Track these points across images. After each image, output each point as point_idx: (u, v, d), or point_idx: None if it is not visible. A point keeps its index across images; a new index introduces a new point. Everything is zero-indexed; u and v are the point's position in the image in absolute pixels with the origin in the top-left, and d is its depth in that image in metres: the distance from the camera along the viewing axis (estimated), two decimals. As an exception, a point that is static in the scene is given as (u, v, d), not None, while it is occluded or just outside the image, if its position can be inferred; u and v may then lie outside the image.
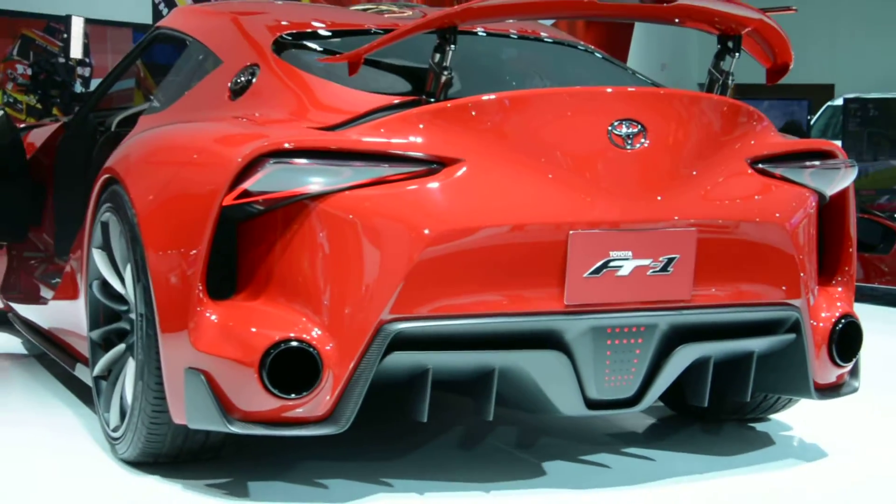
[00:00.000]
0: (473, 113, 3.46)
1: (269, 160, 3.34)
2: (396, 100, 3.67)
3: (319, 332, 3.33)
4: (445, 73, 3.50)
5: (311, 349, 3.30)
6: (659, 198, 3.51)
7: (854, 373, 4.10)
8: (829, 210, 4.05)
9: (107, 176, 3.94)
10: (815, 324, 3.88)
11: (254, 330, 3.36)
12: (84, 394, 4.74)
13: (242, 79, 4.07)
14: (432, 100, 3.56)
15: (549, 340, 3.47)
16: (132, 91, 7.52)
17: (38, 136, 5.67)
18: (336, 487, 3.59)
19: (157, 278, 3.50)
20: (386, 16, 4.61)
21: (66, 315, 4.59)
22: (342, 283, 3.34)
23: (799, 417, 4.48)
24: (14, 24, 11.22)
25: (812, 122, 12.63)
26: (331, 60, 3.76)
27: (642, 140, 3.49)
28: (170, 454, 3.71)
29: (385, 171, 3.40)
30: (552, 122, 3.48)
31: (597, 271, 3.43)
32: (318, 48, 4.18)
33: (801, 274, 3.77)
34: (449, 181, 3.40)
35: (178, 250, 3.46)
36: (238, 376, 3.33)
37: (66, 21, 5.47)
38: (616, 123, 3.48)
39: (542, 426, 4.30)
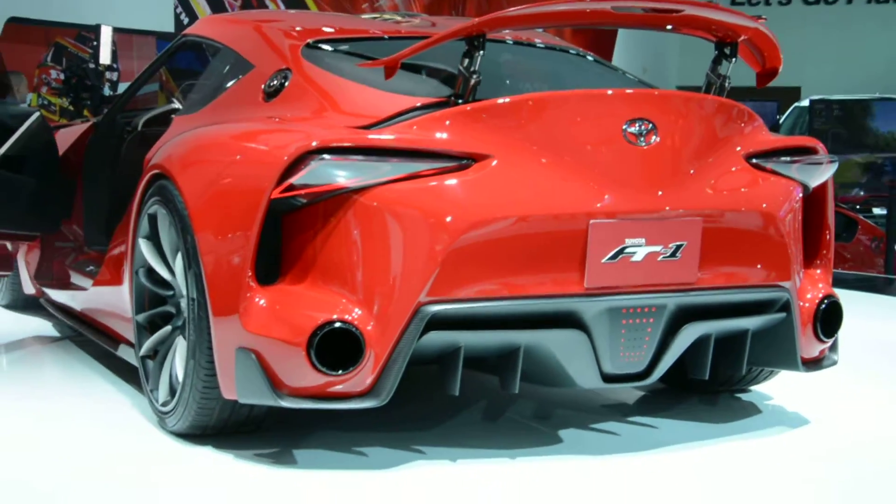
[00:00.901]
0: (500, 113, 3.79)
1: (315, 157, 3.66)
2: (423, 101, 3.98)
3: (362, 314, 3.65)
4: (475, 76, 3.82)
5: (355, 329, 3.62)
6: (668, 190, 3.84)
7: (833, 347, 4.48)
8: (811, 201, 4.41)
9: (155, 172, 4.24)
10: (801, 304, 4.25)
11: (301, 312, 3.68)
12: (122, 372, 5.09)
13: (275, 82, 4.39)
14: (460, 101, 3.87)
15: (569, 320, 3.81)
16: (156, 94, 7.80)
17: (66, 135, 5.98)
18: (374, 455, 3.92)
19: (208, 266, 3.81)
20: (402, 24, 4.93)
21: (108, 300, 4.90)
22: (382, 269, 3.66)
23: (778, 388, 4.89)
24: (48, 32, 11.63)
25: (781, 122, 13.11)
26: (370, 65, 4.06)
27: (653, 137, 3.82)
28: (216, 426, 4.03)
29: (421, 166, 3.71)
30: (572, 120, 3.81)
31: (613, 257, 3.77)
32: (345, 53, 4.50)
33: (791, 258, 4.13)
34: (479, 175, 3.73)
35: (228, 240, 3.77)
36: (287, 355, 3.65)
37: (95, 30, 5.77)
38: (630, 122, 3.82)
39: (555, 400, 4.67)
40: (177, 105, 5.61)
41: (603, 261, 3.76)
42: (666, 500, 3.57)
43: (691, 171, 3.91)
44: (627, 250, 3.78)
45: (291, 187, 3.68)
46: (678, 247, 3.85)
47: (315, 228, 3.75)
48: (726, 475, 3.84)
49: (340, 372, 3.62)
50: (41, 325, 6.35)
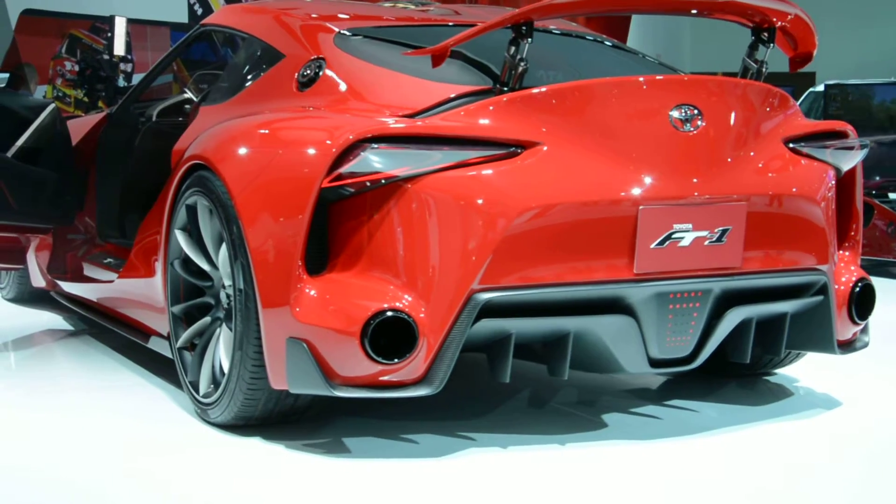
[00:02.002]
0: (549, 100, 3.80)
1: (365, 145, 3.66)
2: (466, 89, 4.00)
3: (414, 303, 3.66)
4: (522, 64, 3.83)
5: (408, 318, 3.63)
6: (714, 175, 3.88)
7: (864, 329, 4.54)
8: (841, 184, 4.46)
9: (193, 163, 4.23)
10: (837, 287, 4.29)
11: (353, 301, 3.68)
12: (147, 363, 5.11)
13: (309, 72, 4.38)
14: (505, 89, 3.88)
15: (618, 306, 3.83)
16: (170, 84, 7.77)
17: (78, 127, 5.93)
18: (425, 442, 3.94)
19: (256, 256, 3.80)
20: (429, 13, 4.94)
21: (137, 292, 4.88)
22: (435, 258, 3.67)
23: (802, 371, 4.95)
24: (62, 24, 11.58)
25: (796, 106, 13.11)
26: (417, 54, 4.05)
27: (699, 123, 3.85)
28: (260, 417, 4.03)
29: (472, 154, 3.72)
30: (619, 107, 3.83)
31: (662, 242, 3.80)
32: (379, 42, 4.50)
33: (828, 242, 4.18)
34: (530, 163, 3.74)
35: (277, 230, 3.76)
36: (340, 344, 3.65)
37: (109, 21, 5.76)
38: (676, 108, 3.84)
39: (593, 386, 4.71)
40: (189, 95, 5.60)
41: (652, 246, 3.79)
42: (714, 482, 3.60)
43: (735, 156, 3.95)
44: (675, 235, 3.81)
45: (341, 176, 3.68)
46: (724, 231, 3.88)
47: (364, 217, 3.75)
48: (770, 456, 3.88)
49: (396, 360, 3.62)
50: (52, 319, 6.33)
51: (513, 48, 3.85)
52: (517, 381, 4.64)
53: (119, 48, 5.73)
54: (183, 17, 12.08)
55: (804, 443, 4.04)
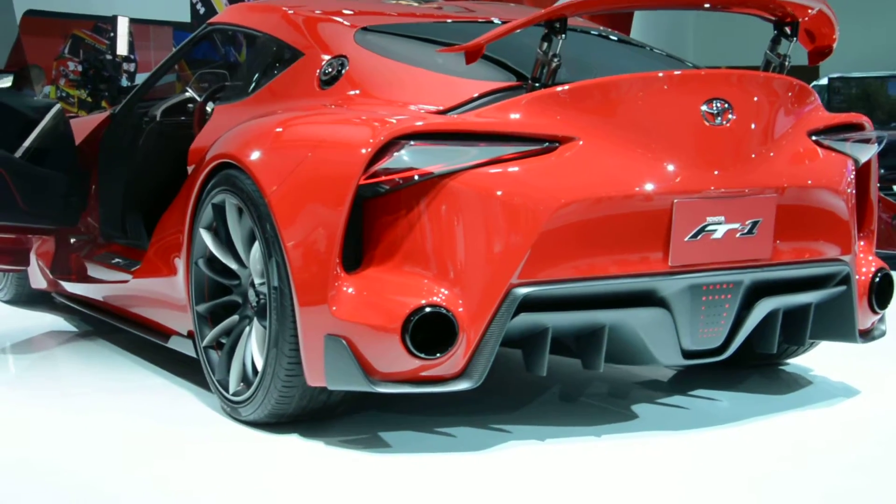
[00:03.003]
0: (582, 96, 3.84)
1: (402, 142, 3.68)
2: (497, 85, 4.02)
3: (453, 298, 3.68)
4: (555, 60, 3.86)
5: (449, 313, 3.65)
6: (744, 168, 3.93)
7: (882, 318, 4.61)
8: (858, 176, 4.52)
9: (220, 161, 4.22)
10: (857, 277, 4.36)
11: (392, 298, 3.70)
12: (164, 362, 5.10)
13: (331, 69, 4.39)
14: (537, 85, 3.91)
15: (652, 298, 3.88)
16: (172, 84, 7.72)
17: (80, 127, 5.90)
18: (462, 436, 3.97)
19: (292, 254, 3.81)
20: (444, 9, 4.96)
21: (155, 292, 4.87)
22: (474, 253, 3.69)
23: (813, 361, 5.03)
24: (65, 24, 11.51)
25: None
26: (451, 51, 4.07)
27: (730, 116, 3.90)
28: (294, 414, 4.03)
29: (508, 149, 3.75)
30: (651, 101, 3.87)
31: (695, 235, 3.84)
32: (400, 38, 4.51)
33: (851, 233, 4.24)
34: (566, 157, 3.77)
35: (314, 228, 3.77)
36: (380, 341, 3.66)
37: (112, 21, 5.74)
38: (707, 102, 3.89)
39: (621, 380, 4.77)
40: (191, 94, 5.58)
41: (686, 239, 3.83)
42: (749, 470, 3.65)
43: (764, 149, 4.00)
44: (708, 228, 3.86)
45: (378, 173, 3.69)
46: (754, 224, 3.93)
47: (400, 214, 3.76)
48: (796, 445, 3.94)
49: (438, 355, 3.64)
50: (55, 321, 6.29)
51: (545, 44, 3.87)
52: (544, 376, 4.64)
53: (122, 48, 5.71)
54: (185, 17, 12.07)
55: (826, 429, 4.12)
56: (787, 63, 4.28)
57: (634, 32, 12.88)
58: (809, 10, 4.21)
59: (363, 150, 3.69)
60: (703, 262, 3.89)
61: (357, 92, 4.28)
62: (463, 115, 3.89)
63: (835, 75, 11.91)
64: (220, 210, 4.26)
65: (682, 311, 3.91)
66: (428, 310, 3.64)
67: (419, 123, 3.75)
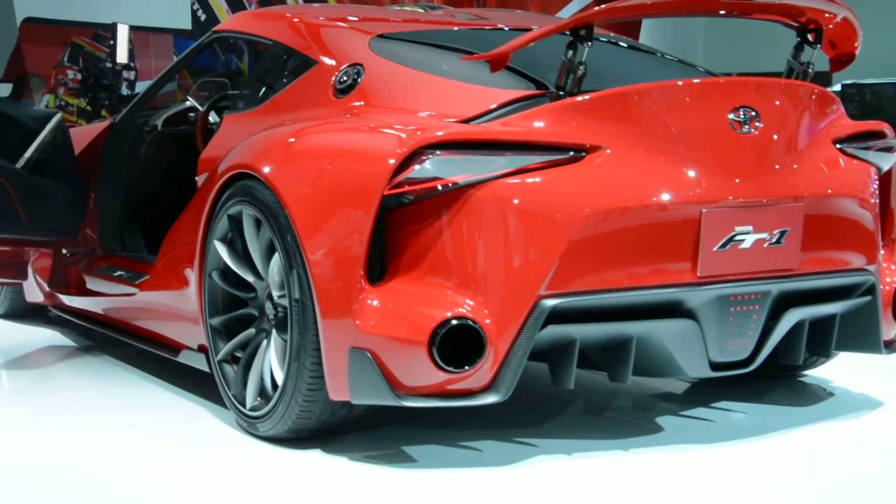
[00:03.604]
0: (609, 104, 3.78)
1: (429, 151, 3.62)
2: (517, 94, 3.96)
3: (480, 310, 3.60)
4: (581, 68, 3.80)
5: (477, 325, 3.58)
6: (772, 176, 3.88)
7: None
8: (880, 184, 4.47)
9: (236, 172, 4.14)
10: (882, 286, 4.31)
11: (419, 310, 3.63)
12: (171, 377, 5.00)
13: (346, 77, 4.33)
14: (561, 93, 3.85)
15: (680, 309, 3.82)
16: (173, 93, 7.66)
17: (78, 136, 5.79)
18: (488, 450, 3.90)
19: (315, 267, 3.73)
20: (456, 17, 4.90)
21: (164, 305, 4.78)
22: (501, 264, 3.62)
23: (832, 373, 4.97)
24: (64, 32, 11.37)
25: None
26: (475, 59, 4.00)
27: (757, 124, 3.85)
28: (314, 429, 3.95)
29: (535, 159, 3.69)
30: (678, 110, 3.82)
31: (724, 245, 3.79)
32: (416, 46, 4.45)
33: (876, 242, 4.20)
34: (594, 167, 3.72)
35: (337, 240, 3.69)
36: (406, 354, 3.59)
37: (112, 29, 5.67)
38: (734, 110, 3.84)
39: (645, 393, 4.71)
40: (192, 103, 5.51)
41: (714, 249, 3.78)
42: (774, 482, 3.62)
43: (790, 157, 3.96)
44: (737, 238, 3.81)
45: (403, 183, 3.63)
46: (782, 233, 3.89)
47: (425, 225, 3.69)
48: (823, 457, 3.92)
49: (466, 368, 3.57)
50: (53, 335, 6.17)
51: (571, 52, 3.81)
52: (569, 390, 4.57)
53: (122, 56, 5.63)
54: (186, 24, 11.94)
55: (861, 442, 4.07)
56: (810, 70, 4.24)
57: (644, 38, 12.86)
58: (833, 18, 4.16)
59: (389, 160, 3.62)
60: (731, 273, 3.84)
61: (374, 100, 4.22)
62: (488, 125, 3.82)
63: (848, 82, 11.84)
64: (236, 221, 4.18)
65: (710, 322, 3.85)
66: (455, 322, 3.57)
67: (445, 133, 3.68)
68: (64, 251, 5.84)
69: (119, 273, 5.39)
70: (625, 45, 5.02)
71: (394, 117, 4.02)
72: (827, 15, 4.17)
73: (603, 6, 3.77)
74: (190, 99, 5.60)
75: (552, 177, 3.68)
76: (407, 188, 3.64)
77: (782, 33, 4.35)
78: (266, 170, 3.98)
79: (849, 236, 4.12)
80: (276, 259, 3.96)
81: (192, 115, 5.54)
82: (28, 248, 5.76)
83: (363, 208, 3.65)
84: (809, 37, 4.23)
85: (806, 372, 4.94)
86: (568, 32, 3.80)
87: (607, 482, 3.61)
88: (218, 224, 4.26)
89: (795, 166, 3.96)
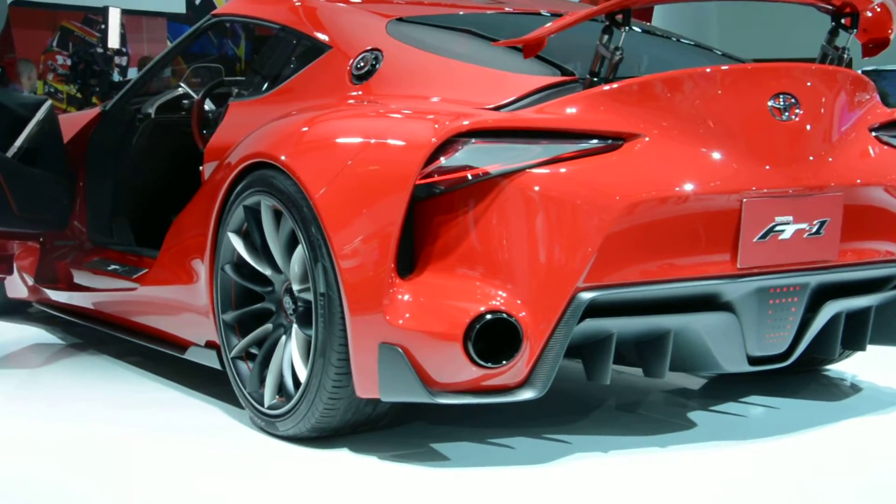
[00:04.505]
0: (647, 91, 3.66)
1: (463, 140, 3.48)
2: (548, 80, 3.83)
3: (516, 303, 3.47)
4: (618, 53, 3.67)
5: (513, 320, 3.45)
6: (812, 165, 3.77)
7: None
8: None
9: (253, 161, 3.98)
10: None
11: (453, 304, 3.49)
12: (172, 374, 4.83)
13: (364, 63, 4.18)
14: (595, 80, 3.72)
15: (719, 302, 3.70)
16: (167, 79, 7.45)
17: (66, 124, 5.58)
18: (521, 447, 3.78)
19: (343, 260, 3.57)
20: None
21: (169, 300, 4.61)
22: (537, 256, 3.49)
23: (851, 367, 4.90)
24: (53, 16, 11.07)
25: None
26: (509, 44, 3.86)
27: (797, 111, 3.74)
28: (336, 428, 3.81)
29: (572, 147, 3.56)
30: (717, 96, 3.70)
31: (764, 236, 3.67)
32: (435, 29, 4.31)
33: None
34: (632, 155, 3.59)
35: (367, 232, 3.54)
36: (440, 349, 3.45)
37: (103, 12, 5.49)
38: (774, 97, 3.72)
39: (675, 389, 4.60)
40: (184, 90, 5.34)
41: (755, 240, 3.67)
42: (808, 476, 3.56)
43: (830, 145, 3.85)
44: (777, 228, 3.70)
45: (435, 172, 3.49)
46: (822, 223, 3.78)
47: (457, 215, 3.55)
48: (858, 451, 3.84)
49: (504, 363, 3.44)
50: (38, 334, 5.94)
51: (606, 37, 3.68)
52: (599, 389, 4.48)
53: (113, 41, 5.44)
54: (180, 8, 11.68)
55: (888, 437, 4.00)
56: (845, 56, 4.13)
57: (656, 22, 12.77)
58: (869, 2, 4.06)
59: (420, 149, 3.48)
60: (771, 264, 3.73)
61: (395, 87, 4.08)
62: (521, 112, 3.69)
63: (869, 68, 11.74)
64: (253, 212, 4.02)
65: (748, 315, 3.75)
66: (490, 316, 3.44)
67: (481, 120, 3.55)
68: (53, 244, 5.64)
69: (114, 267, 5.21)
70: (639, 29, 4.89)
71: (420, 104, 3.89)
72: (865, 1, 4.05)
73: None
74: (183, 85, 5.43)
75: (590, 166, 3.56)
76: (437, 177, 3.50)
77: (794, 19, 4.26)
78: (287, 159, 3.82)
79: (886, 226, 4.02)
80: (299, 251, 3.81)
81: (185, 101, 5.37)
82: (13, 242, 5.56)
83: (394, 198, 3.50)
84: (844, 21, 4.12)
85: (829, 367, 4.84)
86: (603, 17, 3.67)
87: (646, 479, 3.50)
88: (232, 215, 4.10)
89: (834, 154, 3.85)
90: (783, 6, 4.30)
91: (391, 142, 3.65)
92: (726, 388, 4.55)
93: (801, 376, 4.69)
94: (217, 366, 4.27)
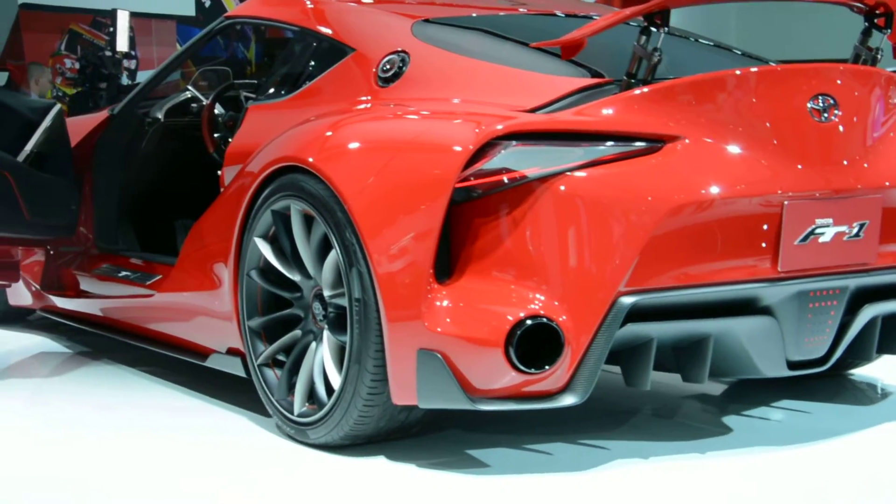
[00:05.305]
0: (687, 92, 3.61)
1: (503, 142, 3.44)
2: (584, 82, 3.78)
3: (556, 308, 3.42)
4: (656, 55, 3.62)
5: (553, 324, 3.40)
6: (851, 166, 3.74)
7: None
8: None
9: (281, 165, 3.92)
10: None
11: (493, 309, 3.44)
12: (191, 382, 4.77)
13: (391, 65, 4.13)
14: (633, 81, 3.67)
15: (759, 306, 3.66)
16: (176, 82, 7.37)
17: (72, 128, 5.51)
18: (560, 454, 3.74)
19: (379, 265, 3.52)
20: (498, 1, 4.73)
21: (188, 307, 4.54)
22: (578, 260, 3.44)
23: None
24: (61, 18, 10.93)
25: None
26: (547, 45, 3.82)
27: (835, 112, 3.71)
28: (369, 435, 3.75)
29: (613, 150, 3.52)
30: (757, 98, 3.66)
31: (804, 238, 3.64)
32: (462, 31, 4.27)
33: None
34: (672, 158, 3.55)
35: (404, 236, 3.50)
36: (481, 355, 3.40)
37: (112, 15, 5.44)
38: (813, 98, 3.69)
39: (707, 395, 4.56)
40: (192, 93, 5.28)
41: (795, 242, 3.63)
42: (845, 480, 3.54)
43: (868, 146, 3.82)
44: (817, 231, 3.66)
45: (474, 176, 3.44)
46: (861, 226, 3.75)
47: (496, 219, 3.51)
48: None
49: (546, 368, 3.39)
50: (42, 342, 5.86)
51: (644, 38, 3.64)
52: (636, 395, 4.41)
53: (122, 44, 5.41)
54: (190, 10, 11.58)
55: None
56: (879, 56, 4.10)
57: (673, 22, 12.70)
58: (898, 3, 4.04)
59: (460, 153, 3.44)
60: (811, 268, 3.69)
61: (423, 89, 4.03)
62: (560, 114, 3.64)
63: (892, 69, 11.73)
64: (281, 217, 3.96)
65: (788, 319, 3.71)
66: (532, 321, 3.39)
67: (521, 123, 3.51)
68: (59, 250, 5.56)
69: (125, 274, 5.13)
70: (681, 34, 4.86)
71: (453, 106, 3.84)
72: None
73: None
74: (190, 89, 5.36)
75: (630, 168, 3.52)
76: (474, 181, 3.45)
77: (813, 20, 4.23)
78: (319, 162, 3.77)
79: None
80: (332, 256, 3.75)
81: (193, 105, 5.30)
82: (17, 248, 5.47)
83: (433, 202, 3.45)
84: (877, 22, 4.09)
85: (853, 371, 4.81)
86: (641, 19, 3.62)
87: (689, 486, 3.47)
88: (259, 220, 4.03)
89: (872, 155, 3.82)
90: (810, 6, 4.26)
91: (429, 144, 3.60)
92: (756, 392, 4.51)
93: (826, 380, 4.65)
94: (241, 373, 4.20)
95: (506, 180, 3.45)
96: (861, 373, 4.81)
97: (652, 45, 3.62)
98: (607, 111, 3.60)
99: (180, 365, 4.69)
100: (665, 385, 4.44)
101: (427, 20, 4.32)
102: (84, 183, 5.45)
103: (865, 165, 3.78)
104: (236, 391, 4.46)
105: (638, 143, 3.55)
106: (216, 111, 4.94)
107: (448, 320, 3.45)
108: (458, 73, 4.03)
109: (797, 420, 4.17)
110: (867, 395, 4.56)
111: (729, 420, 4.13)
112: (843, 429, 4.03)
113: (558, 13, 4.73)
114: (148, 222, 5.54)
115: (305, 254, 3.91)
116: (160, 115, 5.31)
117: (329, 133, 3.90)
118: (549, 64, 3.92)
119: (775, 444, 3.85)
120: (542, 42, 3.90)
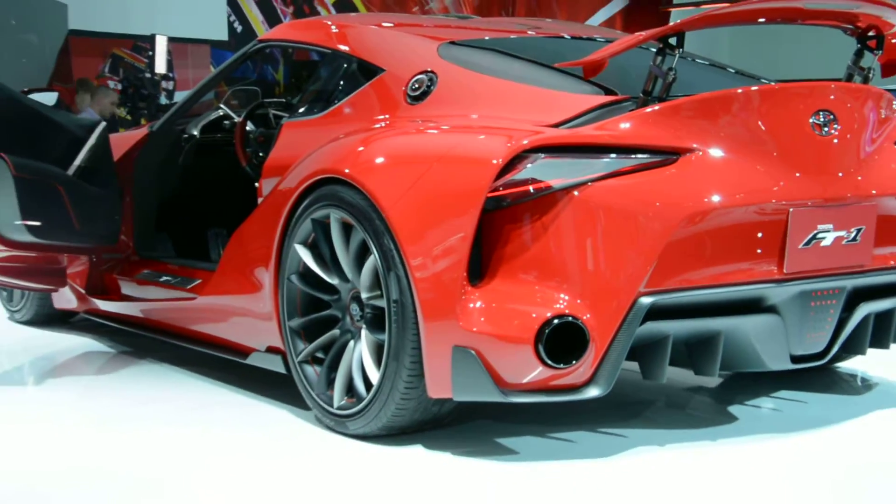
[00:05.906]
0: (699, 108, 3.92)
1: (532, 155, 3.74)
2: (601, 99, 4.08)
3: (581, 308, 3.73)
4: (671, 74, 3.93)
5: (579, 322, 3.71)
6: (849, 176, 4.05)
7: None
8: None
9: (321, 177, 4.23)
10: None
11: (523, 309, 3.74)
12: (235, 379, 5.07)
13: (419, 85, 4.43)
14: (649, 98, 3.98)
15: (766, 305, 3.98)
16: (211, 101, 7.68)
17: (114, 144, 5.82)
18: (583, 442, 4.05)
19: (416, 270, 3.83)
20: (519, 25, 5.04)
21: (230, 309, 4.84)
22: (601, 264, 3.75)
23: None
24: (105, 44, 11.30)
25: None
26: (569, 65, 4.13)
27: (835, 127, 4.02)
28: (404, 426, 4.07)
29: (632, 161, 3.83)
30: (765, 113, 3.96)
31: (808, 243, 3.95)
32: (484, 52, 4.57)
33: None
34: (687, 169, 3.86)
35: (439, 242, 3.80)
36: (513, 352, 3.70)
37: (151, 40, 5.73)
38: (815, 114, 4.00)
39: (709, 388, 4.89)
40: (224, 111, 5.58)
41: (800, 246, 3.94)
42: (848, 470, 3.81)
43: (863, 158, 4.13)
44: (819, 235, 3.97)
45: (506, 185, 3.74)
46: (859, 230, 4.06)
47: (525, 226, 3.80)
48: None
49: (574, 362, 3.69)
50: (87, 343, 6.16)
51: (660, 59, 3.94)
52: (651, 391, 4.72)
53: (160, 66, 5.71)
54: (223, 35, 11.95)
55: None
56: (870, 76, 4.42)
57: None
58: (892, 26, 4.34)
59: (492, 164, 3.73)
60: (813, 269, 4.01)
61: (451, 107, 4.32)
62: (582, 129, 3.94)
63: (890, 87, 11.98)
64: (321, 225, 4.26)
65: (792, 316, 4.02)
66: (559, 320, 3.69)
67: (549, 137, 3.81)
68: (101, 256, 5.88)
69: (166, 278, 5.44)
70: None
71: (483, 122, 4.13)
72: (888, 24, 4.33)
73: (696, 15, 3.92)
74: (222, 107, 5.68)
75: (649, 178, 3.82)
76: (503, 191, 3.75)
77: (805, 40, 4.52)
78: (357, 174, 4.07)
79: None
80: (370, 261, 4.05)
81: (226, 122, 5.62)
82: (63, 255, 5.78)
83: (467, 210, 3.76)
84: (869, 43, 4.40)
85: (840, 364, 5.15)
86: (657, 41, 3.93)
87: (704, 470, 3.77)
88: (299, 228, 4.34)
89: (867, 166, 4.13)
90: (801, 28, 4.55)
91: (462, 157, 3.90)
92: (758, 385, 4.84)
93: (821, 373, 5.00)
94: (282, 370, 4.50)
95: (532, 190, 3.75)
96: (850, 365, 5.16)
97: (667, 65, 3.93)
98: (626, 126, 3.91)
99: (217, 363, 4.96)
100: (676, 380, 4.74)
101: (452, 42, 4.63)
102: (125, 194, 5.77)
103: (861, 176, 4.10)
104: (272, 387, 4.77)
105: (655, 156, 3.85)
106: (248, 128, 5.25)
107: (481, 319, 3.75)
108: (483, 91, 4.33)
109: (794, 409, 4.49)
110: (856, 386, 4.91)
111: (734, 409, 4.46)
112: (835, 417, 4.36)
113: (565, 35, 5.06)
114: (184, 231, 5.84)
115: (344, 259, 4.22)
116: (196, 132, 5.63)
117: (365, 147, 4.20)
118: (567, 83, 4.22)
119: (775, 432, 4.17)
120: (565, 62, 4.19)
